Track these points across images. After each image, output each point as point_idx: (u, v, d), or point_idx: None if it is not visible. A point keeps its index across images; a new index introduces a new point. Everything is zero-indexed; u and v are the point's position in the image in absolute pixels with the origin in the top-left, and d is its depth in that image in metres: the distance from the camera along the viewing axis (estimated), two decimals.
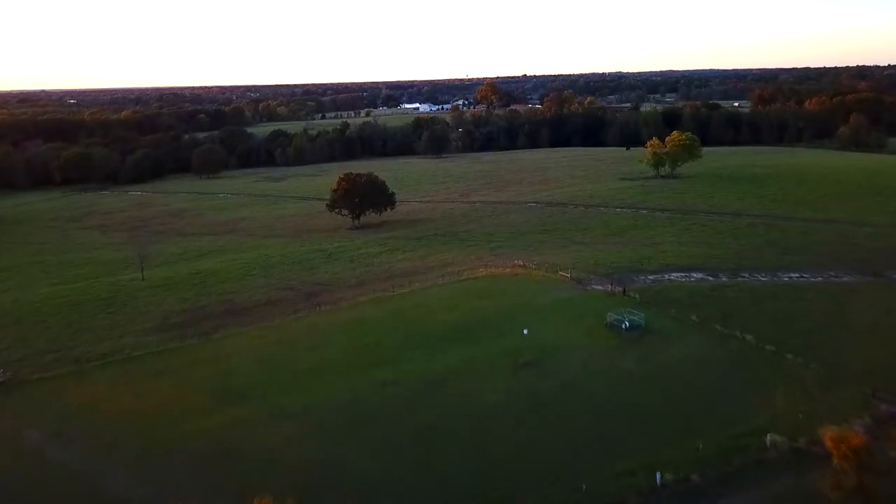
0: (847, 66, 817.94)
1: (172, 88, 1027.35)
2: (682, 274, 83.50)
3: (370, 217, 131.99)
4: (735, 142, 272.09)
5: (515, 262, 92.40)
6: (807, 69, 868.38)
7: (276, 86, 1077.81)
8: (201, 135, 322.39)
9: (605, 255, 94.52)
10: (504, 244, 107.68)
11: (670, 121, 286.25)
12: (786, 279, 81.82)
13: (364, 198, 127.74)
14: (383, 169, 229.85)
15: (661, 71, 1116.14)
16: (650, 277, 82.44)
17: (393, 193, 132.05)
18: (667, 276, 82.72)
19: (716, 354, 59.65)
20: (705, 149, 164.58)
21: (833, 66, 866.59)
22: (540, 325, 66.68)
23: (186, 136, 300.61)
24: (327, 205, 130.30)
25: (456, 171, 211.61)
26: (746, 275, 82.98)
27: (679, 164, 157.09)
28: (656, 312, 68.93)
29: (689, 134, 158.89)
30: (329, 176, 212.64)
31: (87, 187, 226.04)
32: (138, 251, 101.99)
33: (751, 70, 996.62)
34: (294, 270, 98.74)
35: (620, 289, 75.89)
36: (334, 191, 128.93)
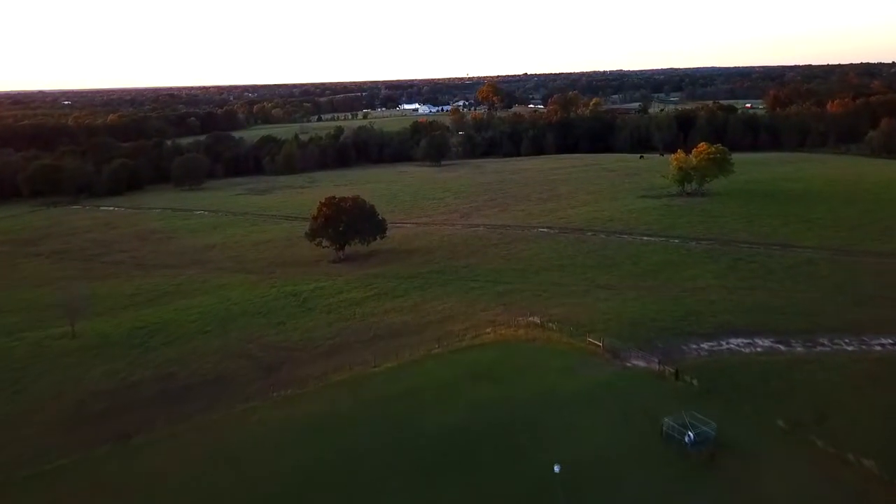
0: (851, 64, 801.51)
1: (170, 89, 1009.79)
2: (745, 340, 65.55)
3: (357, 246, 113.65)
4: (753, 147, 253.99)
5: (529, 317, 74.47)
6: (810, 66, 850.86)
7: (274, 86, 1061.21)
8: (186, 141, 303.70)
9: (639, 306, 76.61)
10: (513, 286, 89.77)
11: (684, 125, 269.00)
12: (877, 348, 63.86)
13: (349, 226, 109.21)
14: (377, 179, 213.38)
15: (663, 69, 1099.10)
16: (704, 346, 64.56)
17: (382, 220, 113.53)
18: (725, 344, 64.83)
19: (829, 498, 41.61)
20: None
21: (837, 63, 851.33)
22: (572, 436, 48.70)
23: (169, 143, 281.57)
24: (306, 233, 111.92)
25: (456, 183, 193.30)
26: (826, 341, 65.03)
27: (708, 179, 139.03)
28: (726, 411, 50.95)
29: (719, 146, 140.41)
30: (319, 187, 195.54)
31: (57, 201, 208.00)
32: (69, 300, 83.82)
33: (754, 67, 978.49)
34: (257, 325, 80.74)
35: (671, 370, 57.90)
36: (314, 218, 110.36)
